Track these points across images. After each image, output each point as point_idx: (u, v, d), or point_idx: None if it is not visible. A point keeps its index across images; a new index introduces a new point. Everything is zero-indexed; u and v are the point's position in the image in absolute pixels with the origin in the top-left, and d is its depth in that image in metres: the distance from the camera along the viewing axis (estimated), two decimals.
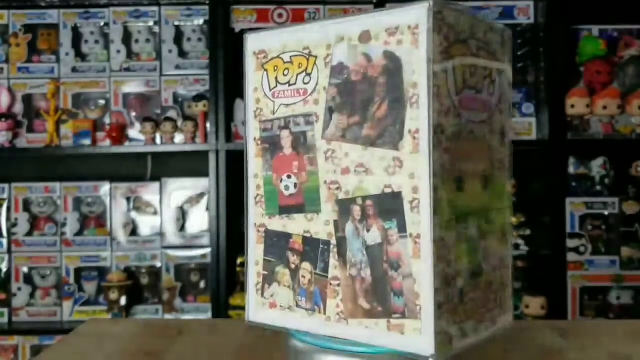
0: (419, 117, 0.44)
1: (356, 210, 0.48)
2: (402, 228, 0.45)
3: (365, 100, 0.47)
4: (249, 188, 0.56)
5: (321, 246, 0.50)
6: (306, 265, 0.51)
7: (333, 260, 0.49)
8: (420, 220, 0.44)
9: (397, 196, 0.45)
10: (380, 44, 0.46)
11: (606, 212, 1.90)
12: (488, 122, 0.49)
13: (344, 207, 0.48)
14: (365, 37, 0.47)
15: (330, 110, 0.49)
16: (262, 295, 0.55)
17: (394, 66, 0.45)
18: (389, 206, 0.46)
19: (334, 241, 0.49)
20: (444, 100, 0.44)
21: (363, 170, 0.47)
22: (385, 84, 0.46)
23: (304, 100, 0.52)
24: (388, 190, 0.46)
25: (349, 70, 0.48)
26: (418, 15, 0.44)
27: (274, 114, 0.54)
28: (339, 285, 0.49)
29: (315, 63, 0.50)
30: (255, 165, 0.56)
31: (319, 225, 0.50)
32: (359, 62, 0.47)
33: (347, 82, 0.48)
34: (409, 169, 0.44)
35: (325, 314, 0.50)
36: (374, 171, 0.46)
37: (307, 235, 0.51)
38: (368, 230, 0.47)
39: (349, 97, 0.48)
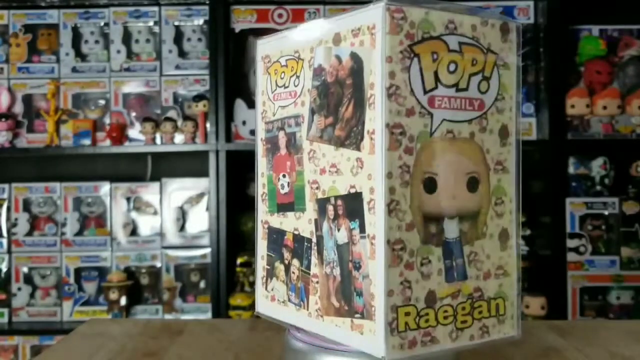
0: (375, 118, 0.43)
1: (330, 209, 0.48)
2: (362, 228, 0.45)
3: (337, 102, 0.47)
4: (257, 186, 0.58)
5: (305, 244, 0.51)
6: (295, 262, 0.52)
7: (314, 258, 0.50)
8: (376, 221, 0.43)
9: (358, 197, 0.45)
10: (348, 45, 0.46)
11: (606, 212, 1.90)
12: (479, 121, 0.47)
13: (322, 206, 0.49)
14: (337, 38, 0.47)
15: (312, 112, 0.50)
16: (266, 288, 0.56)
17: (357, 67, 0.45)
18: (352, 206, 0.46)
19: (314, 239, 0.50)
20: (405, 100, 0.43)
21: (335, 171, 0.47)
22: (352, 84, 0.46)
23: (294, 102, 0.52)
24: (352, 191, 0.46)
25: (325, 71, 0.48)
26: (374, 16, 0.44)
27: (274, 115, 0.55)
28: (317, 282, 0.50)
29: (302, 66, 0.51)
30: (261, 164, 0.57)
31: (304, 223, 0.51)
32: (332, 63, 0.48)
33: (324, 83, 0.48)
34: (367, 169, 0.44)
35: (307, 309, 0.51)
36: (343, 171, 0.46)
37: (296, 232, 0.52)
38: (338, 230, 0.47)
39: (325, 99, 0.48)
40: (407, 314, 0.44)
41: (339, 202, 0.47)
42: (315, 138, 0.49)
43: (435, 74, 0.45)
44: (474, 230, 0.47)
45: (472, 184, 0.46)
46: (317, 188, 0.49)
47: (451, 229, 0.46)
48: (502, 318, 0.48)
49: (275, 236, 0.55)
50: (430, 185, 0.44)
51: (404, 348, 0.43)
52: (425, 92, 0.44)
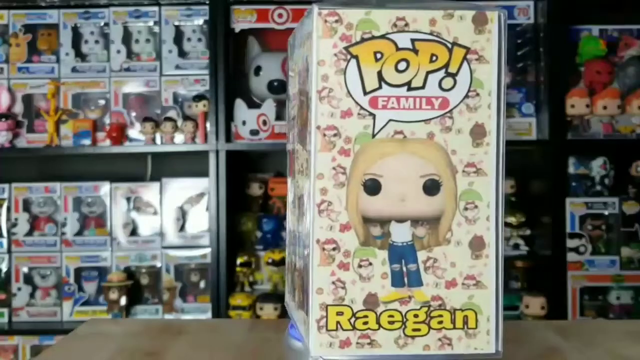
0: (310, 120, 0.44)
1: (300, 207, 0.49)
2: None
3: (303, 103, 0.48)
4: (313, 192, 0.60)
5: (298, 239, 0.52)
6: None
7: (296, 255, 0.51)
8: (309, 220, 0.44)
9: (302, 197, 0.46)
10: (305, 49, 0.47)
11: (606, 212, 1.90)
12: (440, 120, 0.44)
13: (300, 203, 0.49)
14: (301, 43, 0.49)
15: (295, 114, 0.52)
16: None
17: (307, 70, 0.46)
18: (304, 206, 0.47)
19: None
20: (339, 102, 0.44)
21: (302, 170, 0.48)
22: (304, 88, 0.47)
23: (293, 104, 0.55)
24: (303, 191, 0.47)
25: (301, 75, 0.49)
26: (309, 20, 0.44)
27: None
28: (298, 276, 0.50)
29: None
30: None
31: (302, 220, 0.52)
32: (301, 66, 0.49)
33: (301, 85, 0.49)
34: (309, 170, 0.45)
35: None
36: (304, 171, 0.47)
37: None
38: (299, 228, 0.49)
39: (300, 99, 0.49)
40: (340, 313, 0.44)
41: (301, 201, 0.48)
42: (295, 138, 0.51)
43: (379, 74, 0.44)
44: (433, 235, 0.44)
45: (430, 187, 0.44)
46: (297, 187, 0.51)
47: (400, 233, 0.44)
48: (473, 332, 0.45)
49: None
50: (372, 187, 0.44)
51: (333, 347, 0.44)
52: (366, 93, 0.44)
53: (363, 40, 0.44)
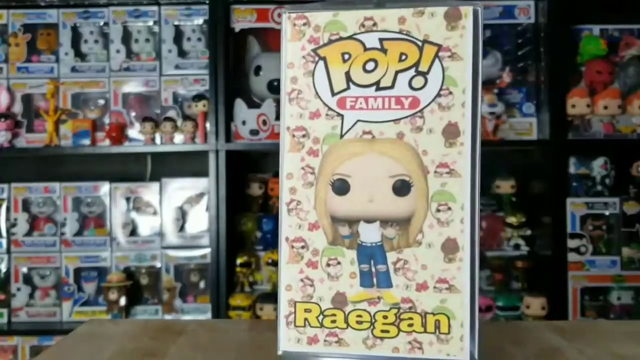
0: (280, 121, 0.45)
1: None
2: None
3: None
4: None
5: None
6: None
7: None
8: (282, 219, 0.45)
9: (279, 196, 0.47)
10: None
11: (607, 212, 1.90)
12: (411, 120, 0.43)
13: None
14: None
15: None
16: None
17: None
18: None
19: None
20: (308, 104, 0.44)
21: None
22: None
23: None
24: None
25: None
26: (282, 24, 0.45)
27: None
28: None
29: None
30: None
31: None
32: None
33: None
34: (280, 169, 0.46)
35: None
36: None
37: None
38: None
39: None
40: (308, 310, 0.44)
41: None
42: None
43: (347, 74, 0.44)
44: (403, 237, 0.43)
45: (400, 188, 0.43)
46: None
47: (369, 233, 0.44)
48: (445, 337, 0.43)
49: None
50: (340, 187, 0.44)
51: (301, 342, 0.45)
52: (334, 94, 0.44)
53: (331, 41, 0.44)
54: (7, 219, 1.99)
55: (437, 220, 0.43)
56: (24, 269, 1.98)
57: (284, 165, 0.45)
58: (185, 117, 1.95)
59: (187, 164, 2.04)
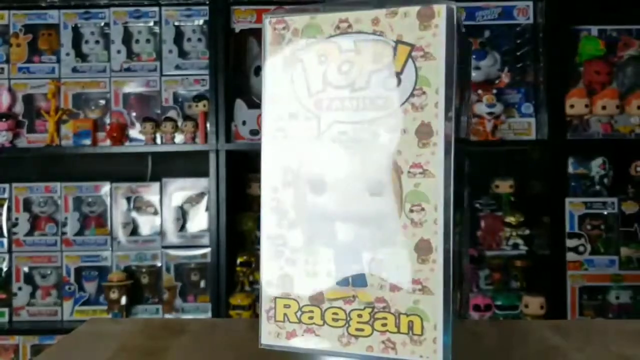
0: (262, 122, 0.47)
1: None
2: None
3: None
4: None
5: None
6: None
7: None
8: (263, 217, 0.47)
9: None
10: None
11: (605, 212, 1.90)
12: (383, 120, 0.43)
13: None
14: None
15: None
16: None
17: None
18: None
19: None
20: (288, 105, 0.45)
21: None
22: None
23: None
24: None
25: None
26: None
27: None
28: None
29: None
30: None
31: None
32: None
33: None
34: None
35: None
36: None
37: None
38: None
39: None
40: (287, 306, 0.46)
41: None
42: None
43: (324, 76, 0.45)
44: (378, 236, 0.43)
45: (375, 188, 0.43)
46: None
47: (345, 232, 0.44)
48: (418, 339, 0.43)
49: None
50: (318, 186, 0.44)
51: (280, 337, 0.46)
52: (311, 95, 0.45)
53: (308, 44, 0.45)
54: (9, 218, 1.99)
55: (410, 221, 0.42)
56: (25, 269, 1.98)
57: (266, 165, 0.47)
58: (186, 117, 1.96)
59: (188, 164, 2.04)
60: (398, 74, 0.43)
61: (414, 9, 0.42)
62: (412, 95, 0.42)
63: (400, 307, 0.43)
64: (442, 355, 0.42)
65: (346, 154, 0.44)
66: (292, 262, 0.46)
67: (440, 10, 0.42)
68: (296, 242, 0.45)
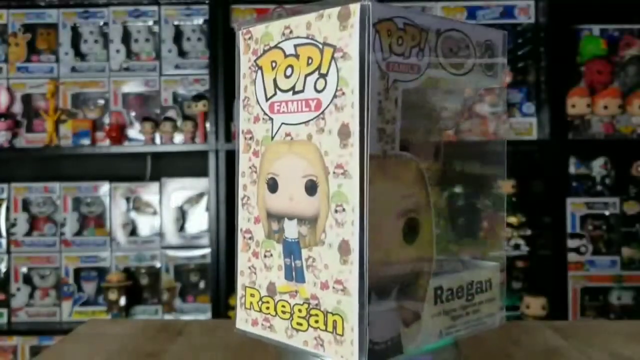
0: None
1: None
2: None
3: None
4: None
5: None
6: None
7: None
8: (237, 212, 0.50)
9: None
10: None
11: (607, 212, 1.90)
12: (316, 122, 0.44)
13: None
14: None
15: None
16: None
17: None
18: None
19: None
20: (253, 109, 0.49)
21: None
22: None
23: None
24: None
25: None
26: None
27: None
28: None
29: None
30: None
31: None
32: None
33: None
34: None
35: None
36: None
37: None
38: None
39: None
40: (252, 295, 0.49)
41: None
42: None
43: (275, 81, 0.47)
44: (312, 235, 0.44)
45: (310, 188, 0.44)
46: None
47: (290, 230, 0.46)
48: (340, 339, 0.43)
49: None
50: (272, 185, 0.47)
51: (248, 323, 0.49)
52: (267, 99, 0.48)
53: (264, 52, 0.48)
54: (7, 218, 1.99)
55: (335, 221, 0.43)
56: (24, 269, 1.98)
57: (239, 165, 0.50)
58: (185, 117, 1.95)
59: (187, 164, 2.03)
60: (324, 76, 0.44)
61: (335, 10, 0.43)
62: (335, 96, 0.43)
63: (327, 306, 0.44)
64: (357, 357, 0.42)
65: (290, 155, 0.46)
66: (255, 255, 0.49)
67: (355, 9, 0.41)
68: (259, 237, 0.48)
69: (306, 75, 0.45)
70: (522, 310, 1.83)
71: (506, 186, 1.95)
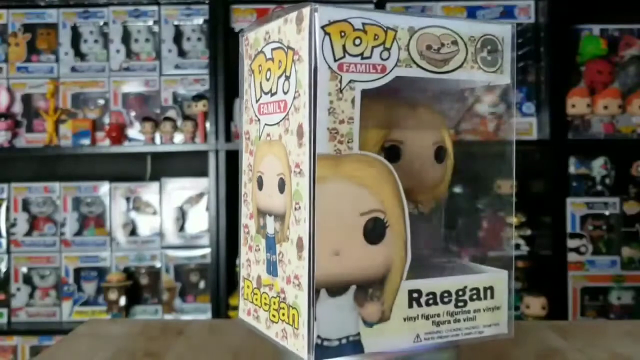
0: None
1: None
2: None
3: None
4: None
5: None
6: None
7: None
8: (240, 208, 0.53)
9: None
10: None
11: (607, 212, 1.90)
12: (283, 122, 0.45)
13: None
14: None
15: None
16: None
17: None
18: None
19: None
20: (249, 111, 0.51)
21: None
22: None
23: None
24: None
25: None
26: None
27: None
28: None
29: None
30: None
31: None
32: None
33: None
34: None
35: None
36: None
37: None
38: None
39: None
40: (248, 287, 0.51)
41: None
42: None
43: (260, 84, 0.49)
44: (282, 231, 0.46)
45: (280, 186, 0.46)
46: None
47: (270, 226, 0.48)
48: (296, 332, 0.44)
49: None
50: (260, 183, 0.49)
51: (245, 313, 0.52)
52: (257, 101, 0.50)
53: (255, 56, 0.50)
54: (7, 218, 1.99)
55: (294, 218, 0.44)
56: (24, 269, 1.97)
57: (242, 163, 0.52)
58: (185, 117, 1.95)
59: (187, 164, 2.03)
60: (288, 78, 0.45)
61: (293, 15, 0.44)
62: (295, 97, 0.44)
63: (289, 300, 0.45)
64: (306, 352, 0.43)
65: (270, 155, 0.47)
66: (250, 249, 0.51)
67: (307, 12, 0.42)
68: (252, 232, 0.50)
69: (278, 78, 0.46)
70: (522, 310, 1.83)
71: (506, 186, 1.95)
